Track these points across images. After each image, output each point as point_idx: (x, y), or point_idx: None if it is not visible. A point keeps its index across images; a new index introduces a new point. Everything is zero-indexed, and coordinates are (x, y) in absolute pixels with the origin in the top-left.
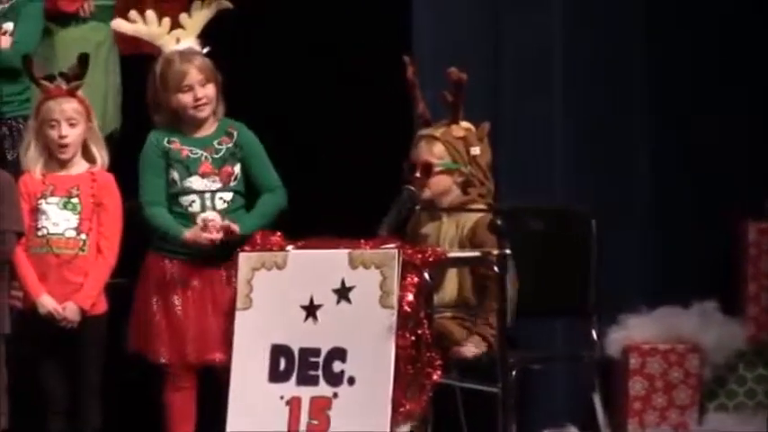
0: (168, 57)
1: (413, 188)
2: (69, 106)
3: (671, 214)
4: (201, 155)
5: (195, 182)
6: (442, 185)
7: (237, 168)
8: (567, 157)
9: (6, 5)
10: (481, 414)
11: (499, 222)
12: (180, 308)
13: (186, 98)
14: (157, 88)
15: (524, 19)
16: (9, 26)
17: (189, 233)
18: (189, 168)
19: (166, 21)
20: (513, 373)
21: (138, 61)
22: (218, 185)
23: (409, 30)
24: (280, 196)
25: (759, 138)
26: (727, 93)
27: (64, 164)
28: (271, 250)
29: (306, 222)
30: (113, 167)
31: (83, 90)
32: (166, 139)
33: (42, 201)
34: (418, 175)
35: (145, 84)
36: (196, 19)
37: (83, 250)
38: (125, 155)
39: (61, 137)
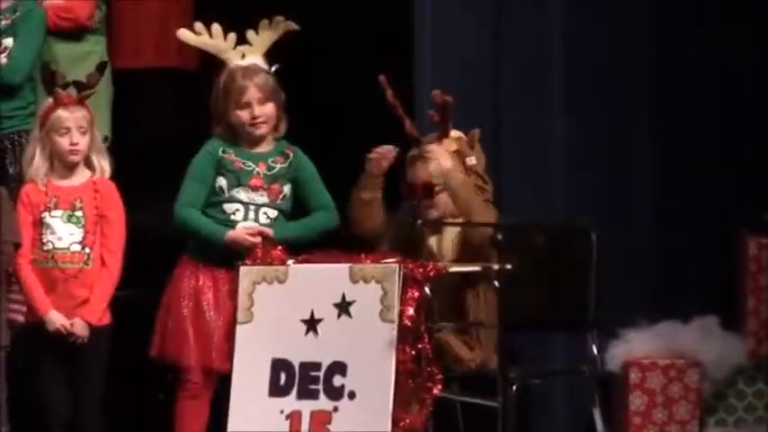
0: (232, 70)
1: (414, 202)
2: (81, 114)
3: (671, 229)
4: (254, 168)
5: (242, 192)
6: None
7: (287, 189)
8: (568, 169)
9: (8, 21)
10: (481, 428)
11: (499, 237)
12: (211, 314)
13: (244, 114)
14: (219, 99)
15: (524, 22)
16: (9, 42)
17: (232, 233)
18: (239, 179)
19: (232, 36)
20: (514, 387)
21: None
22: (265, 200)
23: (411, 37)
24: (329, 215)
25: (759, 153)
26: (727, 102)
27: (67, 173)
28: (272, 264)
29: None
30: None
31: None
32: (222, 149)
33: (46, 214)
34: (421, 195)
35: (136, 98)
36: (263, 37)
37: (87, 264)
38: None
39: (73, 144)
